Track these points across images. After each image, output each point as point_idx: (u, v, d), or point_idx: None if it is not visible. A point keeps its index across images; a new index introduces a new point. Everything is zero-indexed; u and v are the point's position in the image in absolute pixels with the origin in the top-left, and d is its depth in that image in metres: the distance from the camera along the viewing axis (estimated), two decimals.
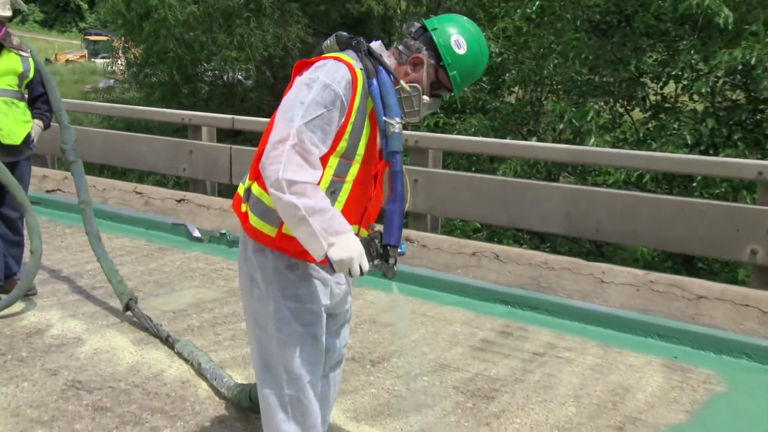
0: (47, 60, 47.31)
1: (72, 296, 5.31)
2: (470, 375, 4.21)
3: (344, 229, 2.41)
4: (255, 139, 14.25)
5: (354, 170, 2.58)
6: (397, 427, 3.60)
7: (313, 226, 2.35)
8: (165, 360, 4.27)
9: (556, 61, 10.50)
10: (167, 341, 4.42)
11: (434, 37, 2.62)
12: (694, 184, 8.21)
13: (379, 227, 2.62)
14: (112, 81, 25.92)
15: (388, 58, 2.68)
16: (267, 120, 10.56)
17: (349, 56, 2.58)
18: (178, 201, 7.51)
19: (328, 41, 2.72)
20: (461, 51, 2.62)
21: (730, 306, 4.82)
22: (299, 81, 2.53)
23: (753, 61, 8.21)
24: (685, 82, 9.76)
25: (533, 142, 9.17)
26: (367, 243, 2.50)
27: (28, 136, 5.01)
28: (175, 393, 3.89)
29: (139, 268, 6.01)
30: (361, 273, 2.44)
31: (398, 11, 18.48)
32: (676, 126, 9.31)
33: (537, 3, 10.36)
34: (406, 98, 2.61)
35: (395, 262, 2.57)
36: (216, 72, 17.60)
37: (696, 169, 7.32)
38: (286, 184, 2.34)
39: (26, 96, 5.05)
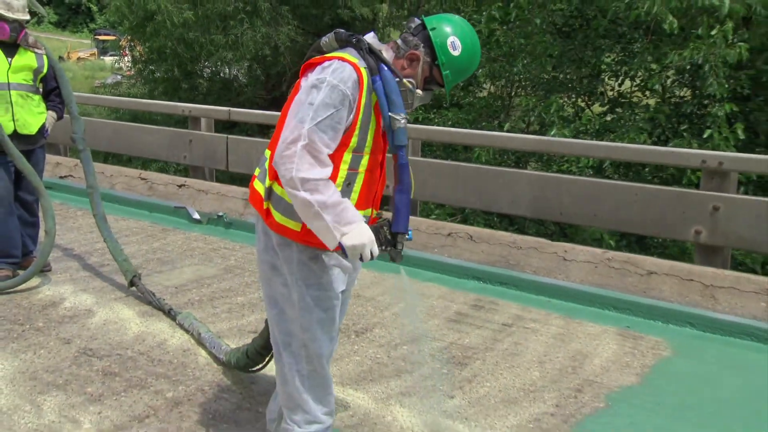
0: (60, 58, 46.86)
1: (83, 272, 5.32)
2: (445, 344, 4.24)
3: (355, 219, 2.41)
4: (250, 129, 14.23)
5: (365, 161, 2.56)
6: (379, 390, 3.63)
7: (326, 219, 2.36)
8: (167, 330, 4.29)
9: (525, 61, 10.52)
10: (169, 314, 4.44)
11: (432, 37, 2.57)
12: (647, 170, 8.27)
13: (387, 215, 2.62)
14: (119, 77, 25.70)
15: (386, 52, 2.62)
16: (261, 112, 10.50)
17: (351, 55, 2.51)
18: (179, 186, 7.48)
19: (326, 38, 2.65)
20: (456, 52, 2.58)
21: (677, 281, 4.87)
22: (307, 83, 2.48)
23: (700, 61, 8.28)
24: (639, 80, 9.82)
25: (503, 133, 9.16)
26: (376, 230, 2.51)
27: (43, 126, 5.02)
28: (177, 360, 3.92)
29: (144, 247, 6.02)
30: (371, 258, 2.46)
31: (381, 14, 18.38)
32: (632, 119, 9.36)
33: (502, 8, 10.41)
34: (403, 92, 2.55)
35: (402, 247, 2.59)
36: (213, 69, 17.50)
37: (649, 158, 7.35)
38: (299, 183, 2.34)
39: (41, 90, 5.04)
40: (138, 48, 18.59)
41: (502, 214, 9.14)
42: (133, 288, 4.85)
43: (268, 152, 2.67)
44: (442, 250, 5.71)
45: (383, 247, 2.54)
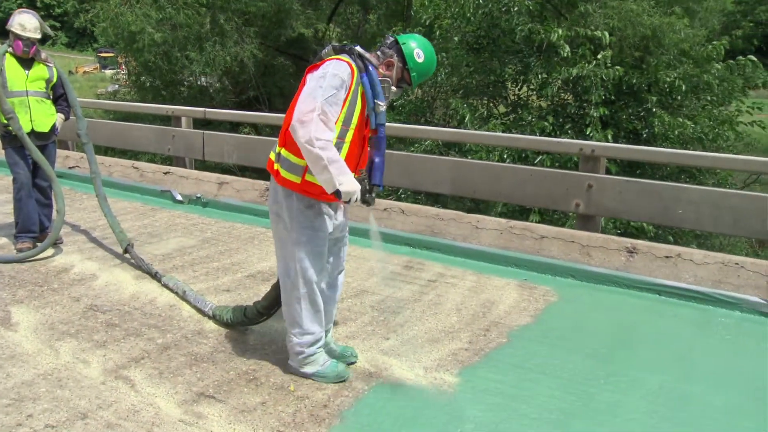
0: (69, 72, 45.96)
1: (88, 244, 5.24)
2: (382, 297, 4.27)
3: (348, 172, 2.72)
4: (222, 126, 13.96)
5: (350, 135, 2.83)
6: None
7: (330, 171, 2.65)
8: (157, 290, 4.25)
9: (446, 70, 10.56)
10: (155, 276, 4.39)
11: (403, 49, 2.94)
12: (540, 158, 8.43)
13: (365, 174, 2.90)
14: (117, 86, 25.22)
15: (373, 58, 2.93)
16: (230, 111, 10.37)
17: (345, 57, 2.82)
18: (165, 173, 7.33)
19: (326, 49, 2.93)
20: (420, 60, 2.95)
21: (562, 242, 4.96)
22: (315, 75, 2.77)
23: (583, 74, 8.53)
24: (534, 87, 9.97)
25: (429, 127, 9.20)
26: (361, 181, 2.82)
27: (54, 125, 5.02)
28: (165, 313, 3.89)
29: (137, 223, 5.91)
30: (356, 201, 2.77)
31: (328, 34, 18.18)
32: (529, 119, 9.52)
33: (427, 18, 10.45)
34: (384, 87, 2.87)
35: (375, 195, 2.93)
36: (192, 79, 17.23)
37: (542, 146, 7.49)
38: (315, 141, 2.62)
39: (51, 96, 5.03)
40: (132, 62, 18.14)
41: (428, 193, 9.19)
42: (127, 255, 4.81)
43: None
44: (380, 222, 5.71)
45: (365, 195, 2.84)
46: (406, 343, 3.57)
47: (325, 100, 2.67)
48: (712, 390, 3.16)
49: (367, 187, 2.88)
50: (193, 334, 3.61)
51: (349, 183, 2.70)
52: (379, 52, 2.97)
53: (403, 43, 2.94)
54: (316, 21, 17.11)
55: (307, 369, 3.11)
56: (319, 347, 3.12)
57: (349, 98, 2.76)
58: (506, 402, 2.99)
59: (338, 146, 2.77)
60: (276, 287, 3.29)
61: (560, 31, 8.96)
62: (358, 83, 2.79)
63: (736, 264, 4.37)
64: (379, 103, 2.81)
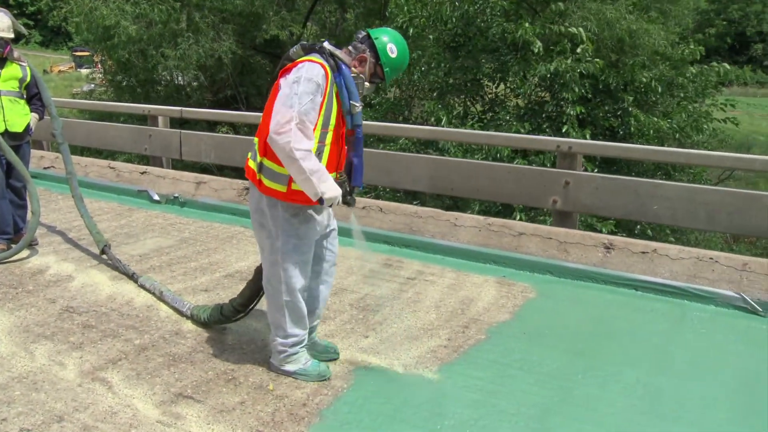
0: (44, 71, 45.44)
1: (64, 245, 5.16)
2: (361, 295, 4.27)
3: (329, 179, 2.73)
4: (198, 125, 13.85)
5: (329, 138, 2.80)
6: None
7: (312, 180, 2.65)
8: (134, 291, 4.20)
9: (422, 69, 10.57)
10: (132, 277, 4.34)
11: (376, 44, 2.88)
12: (517, 160, 8.49)
13: (344, 176, 2.94)
14: (92, 85, 24.96)
15: (343, 55, 2.87)
16: (207, 110, 10.33)
17: (317, 58, 2.75)
18: (142, 173, 7.25)
19: (294, 49, 2.88)
20: (393, 55, 2.90)
21: (540, 239, 4.98)
22: (288, 80, 2.70)
23: (562, 69, 8.59)
24: (510, 86, 10.03)
25: (406, 125, 9.21)
26: (341, 185, 2.86)
27: (28, 125, 4.94)
28: (143, 314, 3.85)
29: (114, 223, 5.84)
30: (338, 204, 2.81)
31: (306, 35, 18.12)
32: (507, 118, 9.57)
33: (404, 20, 10.46)
34: (357, 84, 2.84)
35: (355, 195, 3.00)
36: (168, 77, 17.07)
37: (520, 144, 7.53)
38: (296, 152, 2.60)
39: (25, 95, 4.95)
40: (108, 61, 17.92)
41: (406, 191, 9.21)
42: (104, 255, 4.75)
43: (256, 139, 2.90)
44: (359, 220, 5.70)
45: (346, 197, 2.89)
46: (385, 341, 3.58)
47: (302, 108, 2.62)
48: (688, 383, 3.21)
49: (347, 189, 2.91)
50: (170, 335, 3.58)
51: (330, 189, 2.72)
52: (350, 48, 2.92)
53: (376, 38, 2.88)
54: (291, 23, 17.01)
55: (289, 367, 3.12)
56: (302, 347, 3.14)
57: (325, 102, 2.72)
58: (485, 398, 3.00)
59: (320, 150, 2.76)
60: (251, 285, 3.31)
61: (526, 25, 9.03)
62: (332, 84, 2.75)
63: (711, 259, 4.44)
64: (355, 104, 2.79)
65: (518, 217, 7.55)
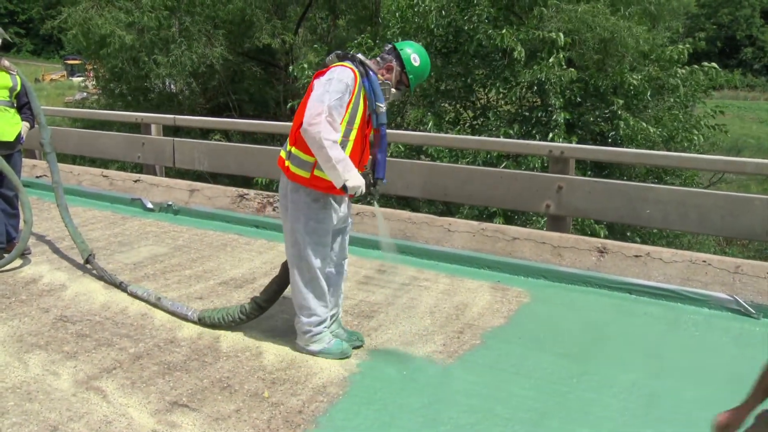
0: (36, 80, 45.34)
1: (57, 254, 5.14)
2: (356, 301, 4.27)
3: (353, 169, 3.02)
4: (192, 133, 13.83)
5: (353, 135, 3.11)
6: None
7: (338, 168, 2.96)
8: (128, 299, 4.19)
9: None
10: (120, 286, 4.33)
11: (401, 55, 3.24)
12: (509, 159, 8.53)
13: (369, 169, 3.23)
14: (85, 94, 24.93)
15: (373, 64, 3.23)
16: (200, 118, 10.38)
17: (349, 64, 3.11)
18: (135, 181, 7.24)
19: (330, 57, 3.23)
20: (416, 64, 3.26)
21: (533, 244, 4.99)
22: (321, 80, 3.04)
23: (543, 78, 8.65)
24: (501, 92, 10.08)
25: (400, 131, 9.23)
26: (365, 176, 3.13)
27: (19, 134, 4.91)
28: (137, 323, 3.84)
29: (107, 232, 5.81)
30: (362, 194, 3.07)
31: (297, 41, 18.13)
32: (497, 123, 9.62)
33: (395, 30, 10.51)
34: (383, 89, 3.17)
35: (379, 187, 3.22)
36: (161, 85, 17.07)
37: (511, 149, 7.57)
38: (325, 141, 2.92)
39: (15, 104, 4.92)
40: (101, 69, 17.90)
41: (400, 197, 9.23)
42: (88, 265, 4.73)
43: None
44: (352, 226, 5.70)
45: (369, 189, 3.15)
46: (381, 347, 3.58)
47: (332, 103, 2.95)
48: (682, 386, 3.22)
49: (372, 181, 3.18)
50: (165, 343, 3.57)
51: (354, 178, 3.01)
52: (378, 58, 3.29)
53: (401, 49, 3.25)
54: (282, 31, 17.02)
55: (314, 347, 3.39)
56: (325, 327, 3.41)
57: (352, 101, 3.05)
58: (481, 403, 3.01)
59: (343, 144, 3.06)
60: (277, 280, 3.56)
61: (504, 32, 9.10)
62: (360, 87, 3.08)
63: (704, 262, 4.47)
64: (380, 105, 3.12)
65: (500, 222, 7.55)
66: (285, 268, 3.51)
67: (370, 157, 3.29)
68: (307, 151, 3.07)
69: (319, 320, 3.36)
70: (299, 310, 3.38)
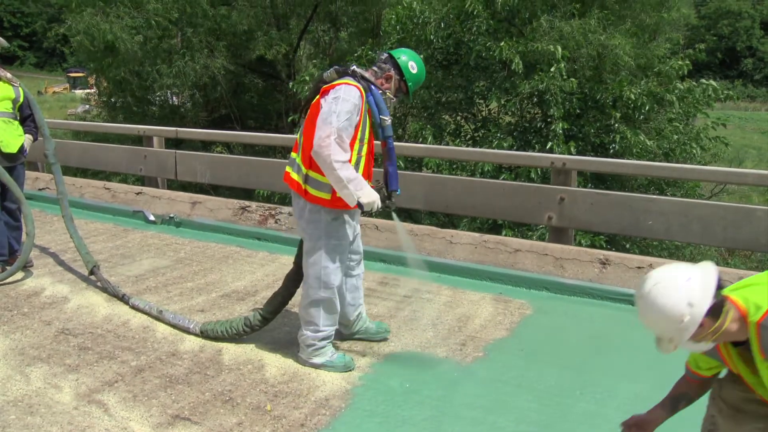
0: (39, 92, 45.62)
1: (59, 267, 5.15)
2: None
3: (366, 185, 3.08)
4: (194, 145, 13.85)
5: (364, 149, 3.21)
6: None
7: (349, 188, 3.01)
8: (130, 312, 4.20)
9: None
10: (122, 298, 4.33)
11: (399, 63, 3.29)
12: (510, 171, 8.54)
13: (381, 183, 3.31)
14: (87, 106, 25.07)
15: (370, 76, 3.26)
16: (202, 131, 10.42)
17: (351, 80, 3.12)
18: (137, 194, 7.27)
19: (329, 72, 3.24)
20: (414, 71, 3.32)
21: (536, 256, 4.99)
22: (327, 99, 3.08)
23: (543, 88, 8.69)
24: (503, 102, 10.11)
25: (402, 143, 9.25)
26: (378, 190, 3.17)
27: (22, 146, 4.93)
28: (139, 336, 3.84)
29: (109, 244, 5.82)
30: (378, 208, 3.12)
31: (299, 53, 18.23)
32: (498, 135, 9.64)
33: (395, 42, 10.57)
34: (385, 100, 3.22)
35: (395, 199, 3.31)
36: (163, 98, 17.14)
37: (513, 160, 7.59)
38: (335, 164, 2.97)
39: (18, 116, 4.94)
40: (103, 82, 18.01)
41: (401, 209, 9.20)
42: (92, 276, 4.73)
43: (294, 154, 3.30)
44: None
45: (385, 202, 3.22)
46: (383, 360, 3.57)
47: (341, 125, 2.99)
48: None
49: (386, 194, 3.25)
50: (167, 356, 3.57)
51: (367, 195, 3.07)
52: (375, 68, 3.33)
53: (398, 58, 3.30)
54: (279, 42, 17.12)
55: (317, 360, 3.42)
56: (329, 341, 3.45)
57: (361, 119, 3.11)
58: (484, 416, 3.00)
59: (357, 162, 3.15)
60: (283, 291, 3.59)
61: (502, 44, 9.14)
62: (366, 103, 3.14)
63: None
64: (384, 118, 3.17)
65: (507, 234, 7.55)
66: (289, 280, 3.55)
67: (382, 170, 3.34)
68: (324, 174, 3.13)
69: (324, 335, 3.40)
70: (305, 324, 3.40)
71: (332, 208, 3.20)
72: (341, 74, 3.20)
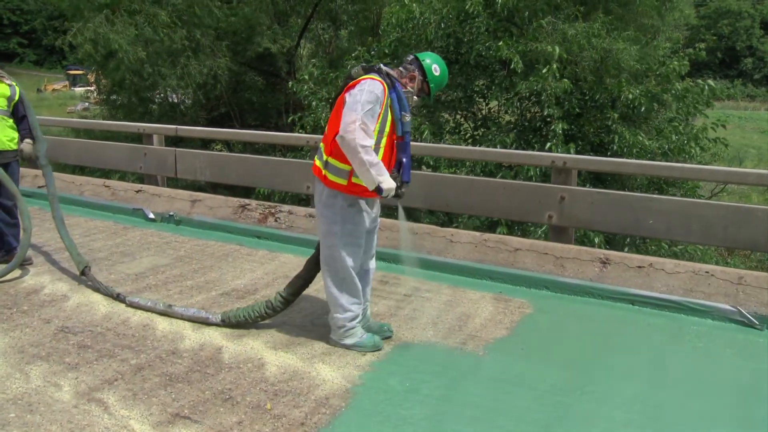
0: (38, 90, 45.42)
1: (59, 265, 5.14)
2: None
3: (386, 173, 3.25)
4: (193, 143, 13.83)
5: (384, 141, 3.34)
6: (305, 352, 3.63)
7: (371, 172, 3.18)
8: (130, 310, 4.19)
9: None
10: (117, 298, 4.32)
11: (423, 65, 3.48)
12: (509, 171, 8.53)
13: (396, 173, 3.39)
14: (86, 104, 25.04)
15: (396, 75, 3.43)
16: (202, 129, 10.47)
17: (376, 76, 3.30)
18: (137, 191, 7.25)
19: (356, 69, 3.41)
20: (437, 73, 3.50)
21: (536, 255, 4.99)
22: (353, 92, 3.24)
23: (540, 88, 8.69)
24: (503, 101, 10.09)
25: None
26: (394, 179, 3.31)
27: (16, 142, 4.94)
28: (139, 334, 3.84)
29: (109, 242, 5.82)
30: (393, 195, 3.28)
31: (300, 51, 18.21)
32: (498, 133, 9.63)
33: (392, 41, 10.55)
34: (408, 98, 3.39)
35: (405, 189, 3.42)
36: (163, 96, 17.11)
37: (514, 159, 7.57)
38: (360, 147, 3.13)
39: (12, 114, 4.93)
40: (103, 80, 17.97)
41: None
42: (83, 277, 4.71)
43: (321, 144, 3.47)
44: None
45: (399, 190, 3.33)
46: (383, 359, 3.56)
47: (364, 113, 3.16)
48: (686, 398, 3.21)
49: (398, 184, 3.35)
50: (167, 354, 3.56)
51: (387, 181, 3.24)
52: (401, 68, 3.51)
53: (423, 60, 3.49)
54: (282, 37, 17.10)
55: (348, 341, 3.62)
56: (358, 322, 3.63)
57: (382, 111, 3.26)
58: (484, 415, 2.99)
59: (375, 150, 3.27)
60: (304, 274, 3.75)
61: (501, 44, 9.14)
62: (388, 98, 3.29)
63: (707, 272, 4.46)
64: (405, 114, 3.33)
65: (504, 232, 7.53)
66: (311, 263, 3.73)
67: (397, 161, 3.46)
68: (343, 160, 3.30)
69: (353, 315, 3.58)
70: (333, 307, 3.59)
71: (348, 194, 3.38)
72: (368, 71, 3.37)
